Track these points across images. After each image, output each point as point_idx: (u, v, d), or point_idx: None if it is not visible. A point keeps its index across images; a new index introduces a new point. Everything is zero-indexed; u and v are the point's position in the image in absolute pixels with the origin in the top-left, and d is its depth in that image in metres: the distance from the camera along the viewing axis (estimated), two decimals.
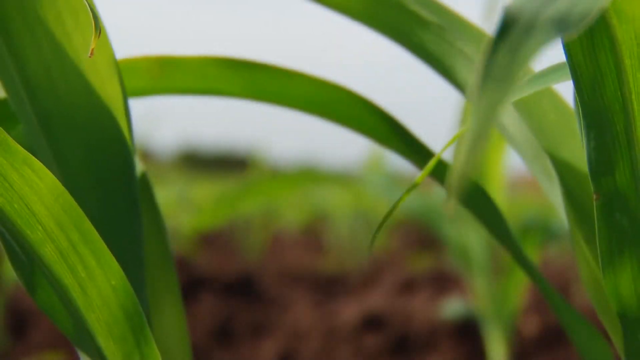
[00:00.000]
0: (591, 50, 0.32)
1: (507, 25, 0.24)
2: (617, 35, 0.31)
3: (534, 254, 1.29)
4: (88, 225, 0.36)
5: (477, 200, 0.43)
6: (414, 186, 0.43)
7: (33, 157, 0.34)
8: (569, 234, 0.42)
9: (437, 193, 1.68)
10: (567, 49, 0.33)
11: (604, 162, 0.35)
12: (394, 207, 0.41)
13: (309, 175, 1.44)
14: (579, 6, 0.24)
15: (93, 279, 0.37)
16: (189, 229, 1.33)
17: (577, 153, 0.43)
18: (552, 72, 0.38)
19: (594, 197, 0.36)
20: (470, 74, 0.43)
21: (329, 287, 2.20)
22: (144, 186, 0.46)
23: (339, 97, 0.44)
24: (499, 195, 1.30)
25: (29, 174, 0.34)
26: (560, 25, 0.23)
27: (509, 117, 0.41)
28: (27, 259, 0.40)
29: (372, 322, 1.53)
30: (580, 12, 0.24)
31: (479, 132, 0.22)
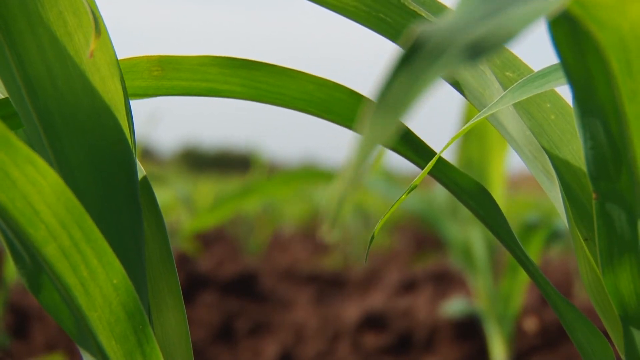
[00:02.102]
0: (580, 54, 0.32)
1: (415, 49, 0.23)
2: (601, 41, 0.31)
3: (535, 254, 1.29)
4: (90, 223, 0.36)
5: (478, 199, 0.43)
6: (413, 186, 0.43)
7: (36, 155, 0.34)
8: (569, 233, 0.42)
9: (438, 192, 1.68)
10: (558, 51, 0.33)
11: (601, 162, 0.35)
12: (394, 206, 0.41)
13: (309, 174, 1.44)
14: (496, 33, 0.23)
15: (95, 277, 0.37)
16: (189, 229, 1.33)
17: (578, 153, 0.43)
18: (551, 72, 0.38)
19: (593, 196, 0.36)
20: (471, 74, 0.43)
21: (330, 286, 2.20)
22: (144, 185, 0.46)
23: (338, 96, 0.44)
24: (500, 194, 1.30)
25: (32, 172, 0.35)
26: (471, 53, 0.22)
27: (508, 117, 0.41)
28: (29, 258, 0.40)
29: (373, 322, 1.53)
30: (496, 39, 0.23)
31: (362, 158, 0.22)
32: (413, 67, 0.23)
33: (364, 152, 0.22)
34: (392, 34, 0.44)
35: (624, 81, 0.32)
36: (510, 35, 0.23)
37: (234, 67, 0.44)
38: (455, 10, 0.25)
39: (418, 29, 0.24)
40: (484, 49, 0.22)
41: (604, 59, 0.31)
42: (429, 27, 0.24)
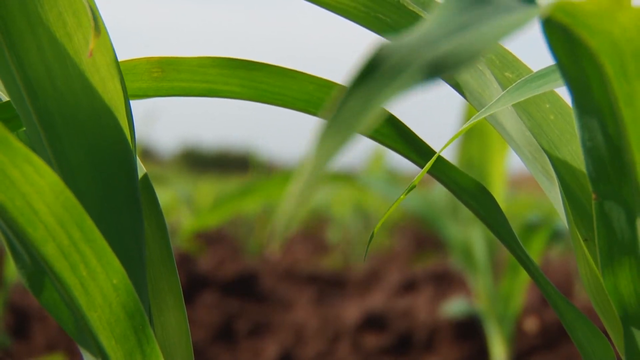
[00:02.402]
0: (575, 58, 0.32)
1: (373, 67, 0.22)
2: (593, 47, 0.31)
3: (537, 254, 1.29)
4: (89, 223, 0.36)
5: (479, 199, 0.43)
6: (413, 185, 0.43)
7: (34, 155, 0.34)
8: (569, 233, 0.42)
9: (438, 192, 1.68)
10: (555, 55, 0.33)
11: (599, 163, 0.35)
12: (394, 205, 0.41)
13: None
14: (461, 51, 0.22)
15: (94, 277, 0.37)
16: (188, 229, 1.33)
17: (577, 153, 0.43)
18: (550, 73, 0.38)
19: (593, 197, 0.36)
20: (470, 75, 0.43)
21: (330, 286, 2.20)
22: (145, 185, 0.46)
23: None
24: (500, 194, 1.30)
25: (31, 172, 0.35)
26: (431, 71, 0.21)
27: (507, 117, 0.41)
28: (29, 258, 0.40)
29: (373, 322, 1.53)
30: (460, 57, 0.22)
31: (311, 174, 0.21)
32: (369, 86, 0.22)
33: (314, 169, 0.21)
34: (391, 33, 0.44)
35: (619, 85, 0.32)
36: (478, 51, 0.22)
37: (234, 67, 0.44)
38: (426, 23, 0.25)
39: (379, 44, 0.23)
40: (448, 65, 0.22)
41: (598, 63, 0.31)
42: (394, 41, 0.23)
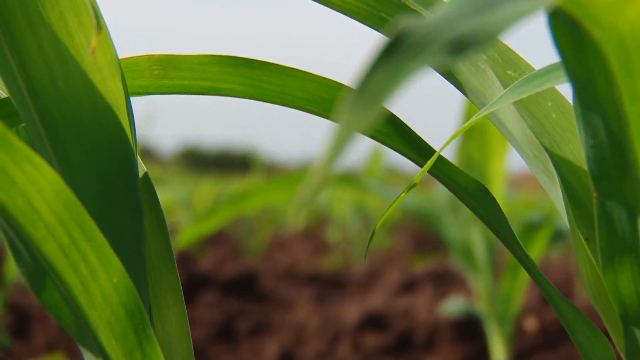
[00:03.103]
0: (580, 53, 0.32)
1: (397, 42, 0.23)
2: (600, 41, 0.30)
3: (538, 254, 1.28)
4: (90, 222, 0.36)
5: (479, 198, 0.43)
6: (412, 184, 0.43)
7: (35, 154, 0.34)
8: (570, 232, 0.42)
9: (438, 192, 1.68)
10: (559, 49, 0.33)
11: (602, 161, 0.35)
12: (393, 205, 0.41)
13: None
14: (481, 30, 0.23)
15: (95, 276, 0.37)
16: (186, 237, 1.33)
17: (579, 152, 0.43)
18: (552, 71, 0.38)
19: (594, 195, 0.36)
20: (471, 73, 0.43)
21: (330, 286, 2.20)
22: (145, 185, 0.46)
23: (339, 95, 0.44)
24: (501, 193, 1.30)
25: (31, 171, 0.35)
26: (454, 48, 0.22)
27: (509, 115, 0.41)
28: (30, 257, 0.40)
29: (373, 322, 1.53)
30: (480, 36, 0.23)
31: (338, 146, 0.22)
32: (394, 59, 0.23)
33: (340, 141, 0.22)
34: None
35: (624, 81, 0.32)
36: (494, 33, 0.23)
37: (235, 65, 0.44)
38: (444, 6, 0.25)
39: (403, 21, 0.24)
40: (467, 45, 0.22)
41: (604, 59, 0.31)
42: (414, 20, 0.24)
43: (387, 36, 0.23)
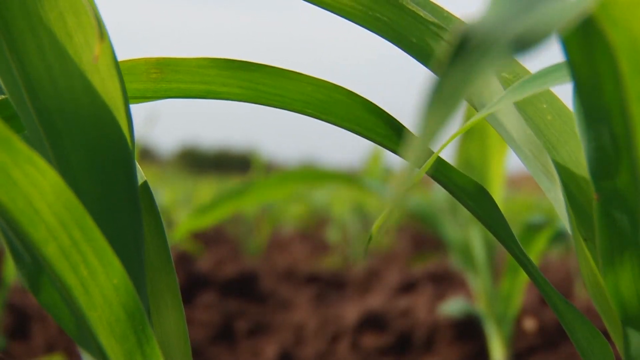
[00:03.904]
0: (589, 52, 0.32)
1: (464, 44, 0.24)
2: (612, 40, 0.31)
3: (538, 254, 1.28)
4: (90, 223, 0.36)
5: (477, 199, 0.43)
6: (412, 185, 0.43)
7: (36, 155, 0.34)
8: (570, 233, 0.42)
9: (438, 192, 1.68)
10: (566, 49, 0.33)
11: (604, 162, 0.35)
12: (392, 206, 0.41)
13: (306, 174, 1.44)
14: (538, 28, 0.23)
15: (95, 277, 0.37)
16: (181, 230, 1.32)
17: (575, 154, 0.43)
18: (551, 72, 0.38)
19: (594, 197, 0.36)
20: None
21: (330, 286, 2.20)
22: (143, 186, 0.46)
23: (337, 97, 0.44)
24: (500, 194, 1.30)
25: (33, 172, 0.35)
26: (516, 46, 0.23)
27: (508, 116, 0.41)
28: (30, 258, 0.40)
29: (373, 322, 1.53)
30: (539, 34, 0.23)
31: (421, 152, 0.22)
32: (465, 61, 0.23)
33: (423, 142, 0.22)
34: (388, 33, 0.44)
35: (632, 82, 0.32)
36: (550, 30, 0.23)
37: (233, 68, 0.44)
38: (488, 8, 0.26)
39: (463, 26, 0.24)
40: (529, 42, 0.23)
41: (614, 59, 0.31)
42: (473, 24, 0.24)
43: (451, 39, 0.24)
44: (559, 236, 1.31)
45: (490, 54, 0.23)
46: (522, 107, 0.44)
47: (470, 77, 0.23)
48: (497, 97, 0.40)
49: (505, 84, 0.45)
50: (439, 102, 0.23)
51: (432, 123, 0.22)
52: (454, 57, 0.24)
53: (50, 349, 1.43)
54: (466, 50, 0.24)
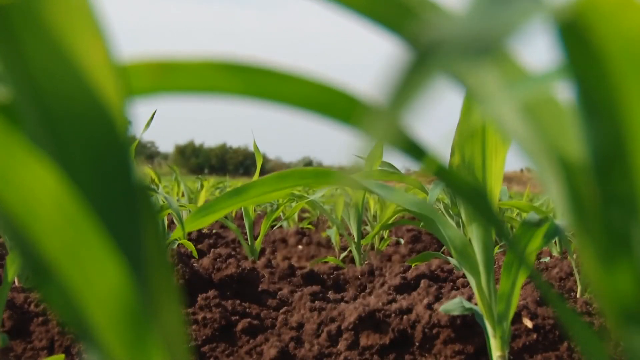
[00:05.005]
0: (586, 50, 0.32)
1: (417, 49, 0.23)
2: (608, 37, 0.31)
3: (535, 253, 1.29)
4: (91, 222, 0.36)
5: (476, 199, 0.43)
6: (411, 185, 0.43)
7: (37, 154, 0.35)
8: (570, 232, 0.42)
9: (438, 191, 1.68)
10: (564, 45, 0.33)
11: (603, 161, 0.35)
12: (392, 206, 0.41)
13: (309, 173, 1.44)
14: (499, 29, 0.23)
15: (96, 277, 0.37)
16: (178, 233, 1.32)
17: (576, 152, 0.43)
18: (551, 69, 0.38)
19: (594, 196, 0.36)
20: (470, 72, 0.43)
21: (330, 286, 2.20)
22: (142, 186, 0.46)
23: (338, 97, 0.44)
24: (499, 193, 1.30)
25: (33, 171, 0.35)
26: (475, 49, 0.23)
27: (509, 113, 0.41)
28: (31, 257, 0.40)
29: (373, 321, 1.53)
30: (497, 35, 0.23)
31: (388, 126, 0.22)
32: (416, 66, 0.23)
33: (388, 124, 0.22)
34: (396, 26, 0.44)
35: (628, 80, 0.32)
36: (506, 34, 0.23)
37: (234, 68, 0.44)
38: (462, 7, 0.26)
39: (424, 28, 0.24)
40: (487, 45, 0.23)
41: (612, 55, 0.31)
42: (434, 26, 0.24)
43: (407, 41, 0.24)
44: (556, 234, 1.31)
45: (437, 59, 0.23)
46: (523, 105, 0.44)
47: (416, 84, 0.23)
48: (498, 95, 0.40)
49: (506, 81, 0.45)
50: (389, 109, 0.23)
51: (399, 99, 0.22)
52: (409, 62, 0.23)
53: (50, 348, 1.43)
54: (421, 55, 0.23)
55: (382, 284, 1.98)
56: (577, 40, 0.32)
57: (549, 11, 0.24)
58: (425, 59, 0.23)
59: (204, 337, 1.53)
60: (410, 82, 0.23)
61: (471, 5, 0.25)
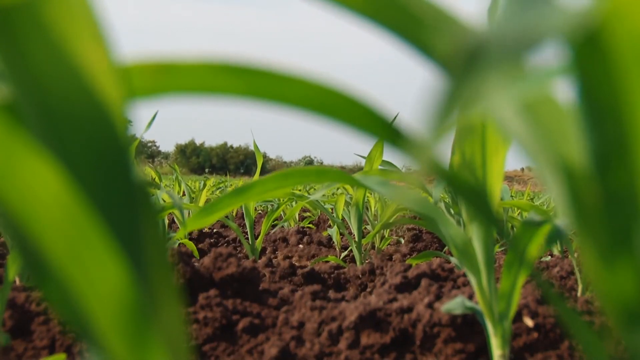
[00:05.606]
0: (593, 47, 0.32)
1: (478, 49, 0.24)
2: (614, 36, 0.31)
3: (535, 252, 1.29)
4: (91, 222, 0.36)
5: (476, 198, 0.43)
6: (412, 184, 0.43)
7: (37, 154, 0.35)
8: (571, 231, 0.42)
9: (439, 190, 1.68)
10: (568, 46, 0.33)
11: (605, 160, 0.35)
12: (393, 205, 0.41)
13: (309, 172, 1.44)
14: (542, 30, 0.24)
15: (97, 276, 0.37)
16: (182, 232, 1.33)
17: (576, 151, 0.43)
18: (552, 68, 0.38)
19: (595, 195, 0.36)
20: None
21: (330, 286, 2.20)
22: (142, 185, 0.46)
23: (339, 98, 0.44)
24: (499, 192, 1.30)
25: (34, 170, 0.35)
26: (523, 49, 0.23)
27: (509, 112, 0.41)
28: (32, 256, 0.40)
29: (373, 321, 1.53)
30: (537, 36, 0.23)
31: (430, 150, 0.22)
32: (480, 67, 0.23)
33: (430, 147, 0.22)
34: (398, 28, 0.44)
35: (635, 80, 0.32)
36: (544, 36, 0.23)
37: (234, 69, 0.44)
38: (500, 12, 0.26)
39: (475, 30, 0.24)
40: (532, 45, 0.23)
41: (620, 54, 0.31)
42: (487, 29, 0.24)
43: (449, 49, 0.25)
44: (557, 234, 1.31)
45: (502, 59, 0.23)
46: (523, 104, 0.44)
47: (484, 85, 0.23)
48: (498, 93, 0.40)
49: (508, 81, 0.45)
50: (448, 107, 0.23)
51: (441, 126, 0.22)
52: (467, 62, 0.24)
53: (51, 348, 1.43)
54: (481, 56, 0.24)
55: (383, 283, 1.98)
56: (585, 39, 0.32)
57: (575, 21, 0.24)
58: (463, 85, 0.23)
59: (204, 336, 1.53)
60: (449, 109, 0.23)
61: (497, 19, 0.26)
